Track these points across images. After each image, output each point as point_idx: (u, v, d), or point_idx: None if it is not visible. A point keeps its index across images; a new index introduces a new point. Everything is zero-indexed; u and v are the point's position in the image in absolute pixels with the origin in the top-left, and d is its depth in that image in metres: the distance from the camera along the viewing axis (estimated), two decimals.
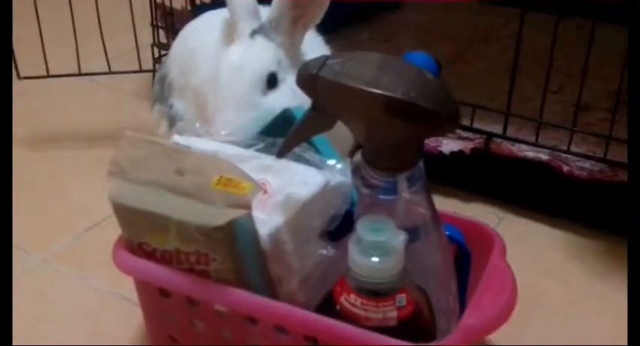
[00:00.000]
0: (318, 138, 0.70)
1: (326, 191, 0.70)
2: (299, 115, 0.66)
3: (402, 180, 0.62)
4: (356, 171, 0.64)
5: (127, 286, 0.82)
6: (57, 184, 1.11)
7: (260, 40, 0.85)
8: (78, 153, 1.18)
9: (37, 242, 0.99)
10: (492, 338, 0.81)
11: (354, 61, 0.61)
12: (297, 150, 0.71)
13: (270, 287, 0.70)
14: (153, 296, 0.73)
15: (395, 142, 0.61)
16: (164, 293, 0.72)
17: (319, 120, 0.63)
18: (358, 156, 0.64)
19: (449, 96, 0.59)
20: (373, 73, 0.59)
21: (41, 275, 0.94)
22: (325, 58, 0.61)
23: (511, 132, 1.06)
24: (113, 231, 0.72)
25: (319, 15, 0.85)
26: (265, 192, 0.70)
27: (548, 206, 1.04)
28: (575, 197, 1.01)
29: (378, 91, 0.58)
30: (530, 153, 1.02)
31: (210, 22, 0.98)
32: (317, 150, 0.73)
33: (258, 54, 0.84)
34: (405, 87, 0.58)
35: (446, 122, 0.59)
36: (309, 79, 0.61)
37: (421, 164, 0.63)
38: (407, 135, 0.60)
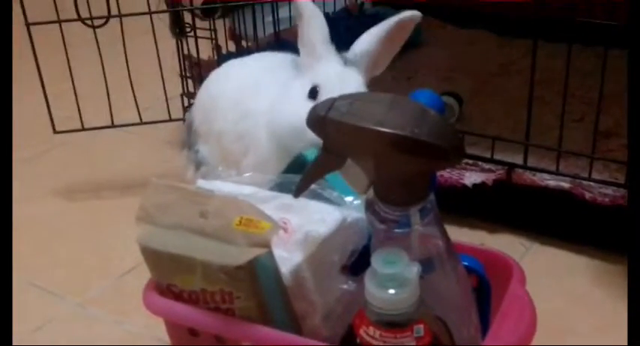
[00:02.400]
0: (332, 177, 0.73)
1: (343, 227, 0.72)
2: (311, 158, 0.68)
3: (414, 214, 0.64)
4: (369, 206, 0.67)
5: (161, 328, 0.85)
6: (92, 232, 1.15)
7: (353, 70, 0.88)
8: (112, 202, 1.23)
9: (73, 288, 1.02)
10: None
11: (361, 102, 0.63)
12: (316, 188, 0.74)
13: (294, 323, 0.72)
14: (183, 336, 0.75)
15: (404, 177, 0.63)
16: (193, 332, 0.74)
17: (330, 159, 0.65)
18: (370, 192, 0.66)
19: (452, 131, 0.62)
20: (379, 112, 0.61)
21: (77, 320, 0.97)
22: (333, 100, 0.63)
23: (533, 161, 1.07)
24: (147, 275, 0.75)
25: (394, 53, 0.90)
26: (286, 230, 0.72)
27: (573, 234, 1.04)
28: (600, 223, 1.01)
29: (385, 130, 0.60)
30: (551, 182, 1.03)
31: (228, 69, 1.02)
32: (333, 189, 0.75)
33: (357, 81, 0.87)
34: (410, 124, 0.60)
35: (450, 155, 0.61)
36: (318, 120, 0.63)
37: (432, 196, 0.65)
38: (415, 170, 0.62)
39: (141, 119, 1.27)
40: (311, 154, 0.72)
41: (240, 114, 0.95)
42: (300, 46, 0.92)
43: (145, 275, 0.75)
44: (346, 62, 0.90)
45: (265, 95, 0.94)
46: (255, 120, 0.93)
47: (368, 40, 0.90)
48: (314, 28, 0.90)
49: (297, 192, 0.70)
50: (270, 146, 0.91)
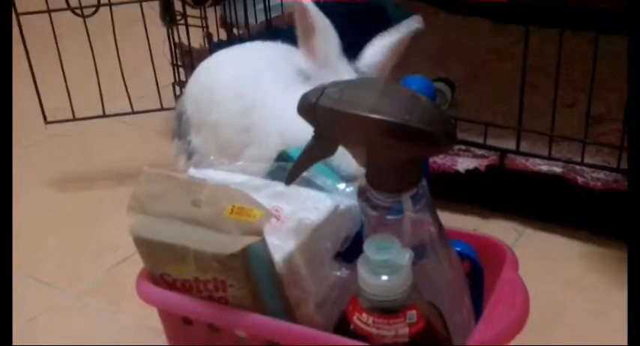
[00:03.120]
0: (319, 168, 0.73)
1: (336, 214, 0.72)
2: (295, 155, 0.69)
3: (406, 200, 0.64)
4: (361, 193, 0.67)
5: (156, 317, 0.85)
6: (86, 223, 1.15)
7: None
8: (105, 192, 1.22)
9: (67, 279, 1.02)
10: None
11: (352, 89, 0.63)
12: (308, 175, 0.74)
13: (288, 311, 0.72)
14: (176, 325, 0.75)
15: (395, 163, 0.63)
16: (187, 321, 0.74)
17: (321, 146, 0.65)
18: (362, 180, 0.66)
19: (443, 118, 0.61)
20: (370, 98, 0.61)
21: (72, 310, 0.97)
22: (324, 88, 0.63)
23: (526, 147, 1.07)
24: (141, 265, 0.75)
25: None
26: (279, 218, 0.72)
27: (566, 218, 1.05)
28: (592, 208, 1.01)
29: (375, 116, 0.60)
30: (544, 166, 1.03)
31: (220, 60, 1.02)
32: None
33: None
34: (401, 111, 0.60)
35: (442, 141, 0.61)
36: (309, 107, 0.63)
37: (424, 182, 0.65)
38: (406, 156, 0.62)
39: (132, 108, 1.27)
40: (294, 152, 0.72)
41: (244, 106, 0.95)
42: (309, 57, 0.92)
43: (139, 264, 0.74)
44: (357, 71, 0.92)
45: (269, 89, 0.94)
46: (263, 114, 0.93)
47: (379, 51, 0.93)
48: (329, 41, 0.91)
49: (289, 180, 0.70)
50: (277, 140, 0.91)
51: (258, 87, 0.95)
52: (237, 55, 1.03)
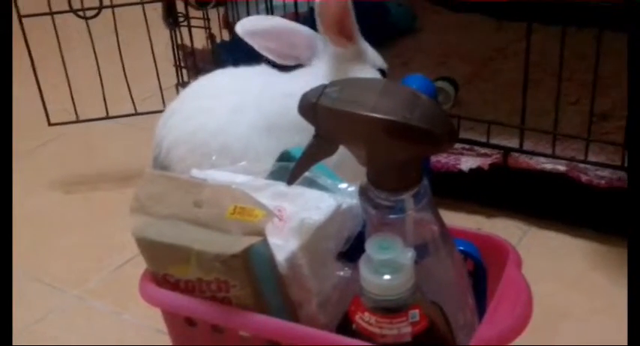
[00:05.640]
0: (320, 168, 0.73)
1: (338, 214, 0.72)
2: (297, 155, 0.68)
3: (407, 199, 0.64)
4: (362, 193, 0.66)
5: (161, 318, 0.85)
6: (90, 224, 1.15)
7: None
8: (109, 194, 1.23)
9: (72, 280, 1.03)
10: None
11: (352, 88, 0.63)
12: (310, 175, 0.74)
13: (291, 311, 0.72)
14: (180, 326, 0.75)
15: (396, 163, 0.63)
16: (190, 322, 0.74)
17: (322, 146, 0.65)
18: (364, 179, 0.66)
19: (443, 116, 0.61)
20: (370, 98, 0.61)
21: (77, 312, 0.97)
22: (324, 87, 0.63)
23: (529, 145, 1.07)
24: (145, 266, 0.75)
25: None
26: (281, 218, 0.72)
27: (570, 216, 1.04)
28: (596, 206, 1.01)
29: (375, 115, 0.60)
30: (548, 165, 1.03)
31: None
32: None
33: None
34: (401, 110, 0.60)
35: (442, 140, 0.61)
36: (309, 107, 0.63)
37: (425, 181, 0.65)
38: (407, 155, 0.62)
39: (136, 110, 1.27)
40: (297, 151, 0.72)
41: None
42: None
43: (143, 265, 0.74)
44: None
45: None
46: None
47: None
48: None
49: (291, 180, 0.70)
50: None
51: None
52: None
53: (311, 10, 1.37)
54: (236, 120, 0.95)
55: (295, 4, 1.26)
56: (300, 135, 0.86)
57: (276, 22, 0.99)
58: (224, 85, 1.01)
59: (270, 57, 0.97)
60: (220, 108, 0.96)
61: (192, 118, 0.98)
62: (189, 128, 0.97)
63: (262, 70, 1.02)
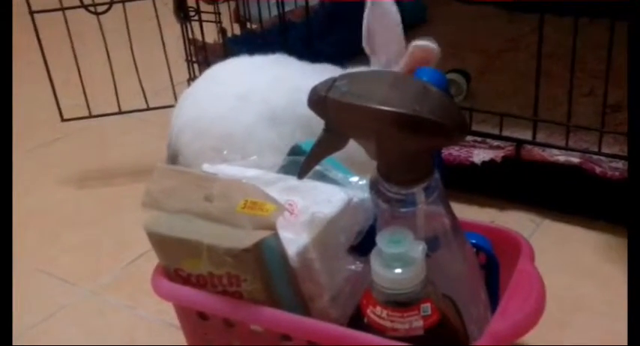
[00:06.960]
0: (331, 161, 0.73)
1: (349, 208, 0.72)
2: (308, 148, 0.68)
3: (418, 192, 0.64)
4: (373, 186, 0.66)
5: (173, 313, 0.85)
6: (103, 219, 1.16)
7: None
8: (122, 188, 1.23)
9: (85, 275, 1.03)
10: (532, 340, 0.81)
11: (361, 81, 0.63)
12: (320, 169, 0.74)
13: (302, 305, 0.72)
14: (192, 320, 0.75)
15: (407, 155, 0.62)
16: (202, 316, 0.74)
17: (332, 139, 0.65)
18: (374, 172, 0.66)
19: (454, 108, 0.61)
20: (379, 90, 0.61)
21: (89, 307, 0.97)
22: (333, 80, 0.63)
23: (542, 137, 1.06)
24: (157, 261, 0.75)
25: None
26: (292, 212, 0.72)
27: (584, 208, 1.04)
28: (610, 198, 1.00)
29: (385, 108, 0.60)
30: (561, 157, 1.02)
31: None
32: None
33: None
34: (411, 102, 0.60)
35: (453, 132, 0.60)
36: (318, 101, 0.63)
37: (436, 174, 0.65)
38: (417, 148, 0.62)
39: (148, 105, 1.27)
40: (307, 145, 0.72)
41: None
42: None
43: (156, 260, 0.75)
44: None
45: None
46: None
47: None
48: None
49: (302, 174, 0.70)
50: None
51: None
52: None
53: (321, 4, 1.38)
54: (240, 107, 0.94)
55: None
56: (303, 130, 0.87)
57: None
58: (235, 72, 1.01)
59: None
60: (226, 94, 0.96)
61: (198, 103, 0.98)
62: (194, 113, 0.97)
63: (279, 59, 1.02)
